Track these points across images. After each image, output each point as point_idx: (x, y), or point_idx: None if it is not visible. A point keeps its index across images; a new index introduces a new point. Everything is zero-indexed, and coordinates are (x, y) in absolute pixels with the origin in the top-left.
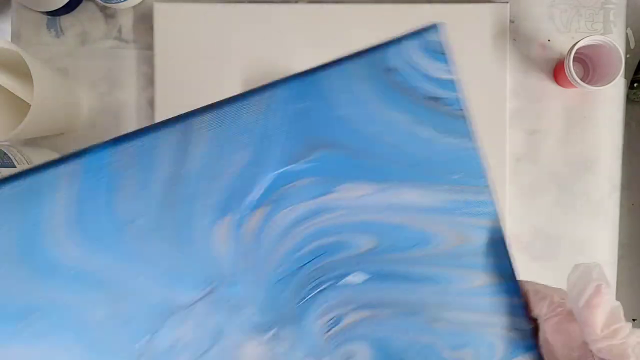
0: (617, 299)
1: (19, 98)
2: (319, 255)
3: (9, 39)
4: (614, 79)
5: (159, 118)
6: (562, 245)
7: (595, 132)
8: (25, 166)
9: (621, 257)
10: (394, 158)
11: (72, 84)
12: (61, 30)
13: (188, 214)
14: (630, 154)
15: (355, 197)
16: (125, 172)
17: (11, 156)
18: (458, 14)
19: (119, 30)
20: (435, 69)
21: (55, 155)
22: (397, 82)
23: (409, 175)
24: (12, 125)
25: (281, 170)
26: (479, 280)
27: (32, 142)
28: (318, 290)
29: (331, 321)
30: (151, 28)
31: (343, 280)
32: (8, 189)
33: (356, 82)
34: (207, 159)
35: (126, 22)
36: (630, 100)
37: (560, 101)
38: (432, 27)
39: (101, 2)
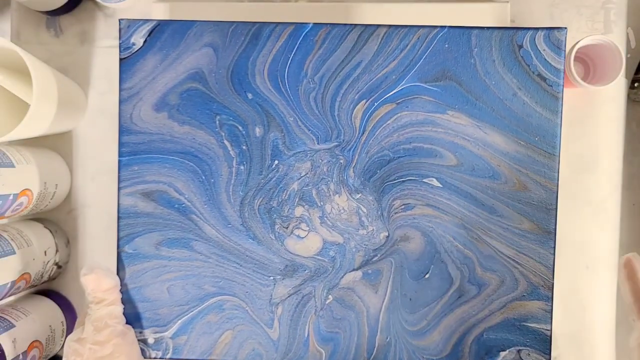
0: (618, 299)
1: (18, 98)
2: (415, 155)
3: (9, 39)
4: (614, 79)
5: None
6: (562, 245)
7: (595, 132)
8: (25, 166)
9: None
10: (495, 107)
11: (72, 83)
12: (60, 30)
13: (342, 92)
14: (631, 154)
15: (456, 123)
16: (319, 45)
17: (10, 156)
18: (459, 13)
19: (119, 30)
20: (551, 57)
21: (54, 155)
22: (521, 55)
23: (500, 123)
24: (11, 124)
25: (414, 83)
26: (524, 225)
27: (32, 141)
28: (405, 179)
29: (404, 206)
30: None
31: (425, 179)
32: (241, 27)
33: (492, 44)
34: (369, 57)
35: None
36: (630, 100)
37: None
38: (562, 28)
39: (100, 2)
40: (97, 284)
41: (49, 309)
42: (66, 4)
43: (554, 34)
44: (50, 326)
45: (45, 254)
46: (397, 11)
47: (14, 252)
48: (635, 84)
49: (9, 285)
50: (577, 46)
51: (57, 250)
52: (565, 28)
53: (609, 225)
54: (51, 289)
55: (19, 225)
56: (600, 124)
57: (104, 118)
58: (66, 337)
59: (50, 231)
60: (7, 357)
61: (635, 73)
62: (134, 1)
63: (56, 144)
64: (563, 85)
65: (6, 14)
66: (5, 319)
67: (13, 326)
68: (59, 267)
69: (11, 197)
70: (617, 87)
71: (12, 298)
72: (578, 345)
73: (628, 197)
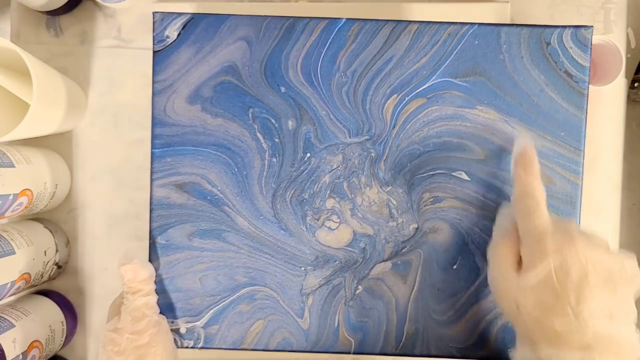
0: None
1: (18, 97)
2: (444, 149)
3: (9, 38)
4: (614, 79)
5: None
6: None
7: (595, 132)
8: (25, 166)
9: None
10: (523, 102)
11: (72, 83)
12: (60, 30)
13: (374, 87)
14: (631, 154)
15: (484, 118)
16: (352, 40)
17: (10, 156)
18: (459, 13)
19: (119, 30)
20: (578, 55)
21: (54, 155)
22: (549, 52)
23: (528, 119)
24: (11, 124)
25: (444, 79)
26: None
27: (32, 141)
28: (434, 172)
29: (433, 199)
30: (150, 27)
31: (454, 173)
32: (274, 22)
33: (521, 41)
34: (401, 52)
35: (125, 21)
36: (631, 100)
37: None
38: (588, 27)
39: (100, 2)
40: (134, 275)
41: (49, 309)
42: (66, 4)
43: (580, 32)
44: (50, 326)
45: (45, 254)
46: (396, 11)
47: (14, 252)
48: (635, 84)
49: (9, 285)
50: None
51: (57, 250)
52: (592, 26)
53: (609, 225)
54: (51, 289)
55: (19, 225)
56: (600, 124)
57: (104, 118)
58: (66, 337)
59: (50, 231)
60: (7, 357)
61: (635, 73)
62: (134, 1)
63: (56, 144)
64: (589, 82)
65: (6, 14)
66: (5, 319)
67: (13, 326)
68: (59, 267)
69: (11, 197)
70: (617, 87)
71: (12, 298)
72: None
73: (628, 197)
